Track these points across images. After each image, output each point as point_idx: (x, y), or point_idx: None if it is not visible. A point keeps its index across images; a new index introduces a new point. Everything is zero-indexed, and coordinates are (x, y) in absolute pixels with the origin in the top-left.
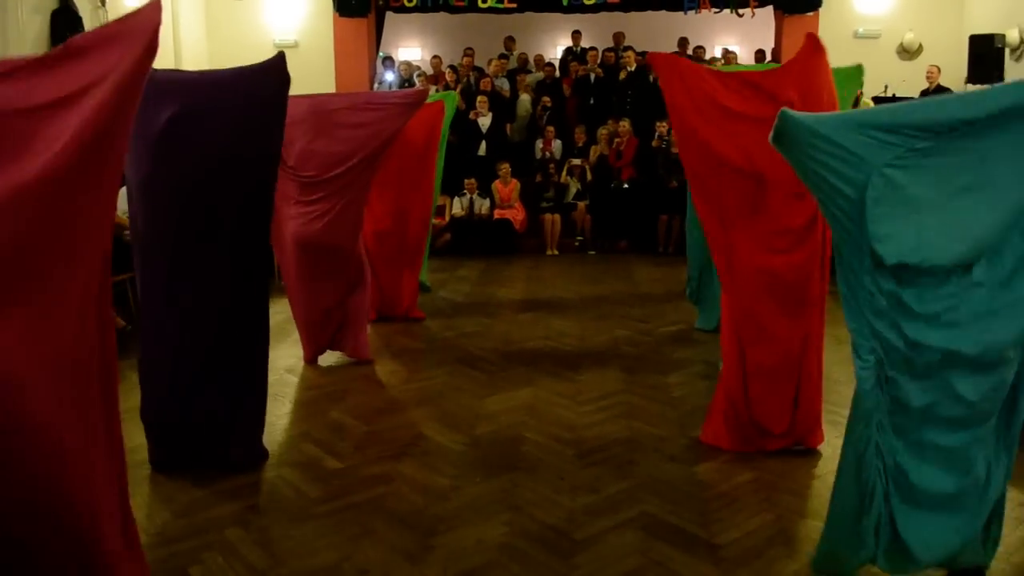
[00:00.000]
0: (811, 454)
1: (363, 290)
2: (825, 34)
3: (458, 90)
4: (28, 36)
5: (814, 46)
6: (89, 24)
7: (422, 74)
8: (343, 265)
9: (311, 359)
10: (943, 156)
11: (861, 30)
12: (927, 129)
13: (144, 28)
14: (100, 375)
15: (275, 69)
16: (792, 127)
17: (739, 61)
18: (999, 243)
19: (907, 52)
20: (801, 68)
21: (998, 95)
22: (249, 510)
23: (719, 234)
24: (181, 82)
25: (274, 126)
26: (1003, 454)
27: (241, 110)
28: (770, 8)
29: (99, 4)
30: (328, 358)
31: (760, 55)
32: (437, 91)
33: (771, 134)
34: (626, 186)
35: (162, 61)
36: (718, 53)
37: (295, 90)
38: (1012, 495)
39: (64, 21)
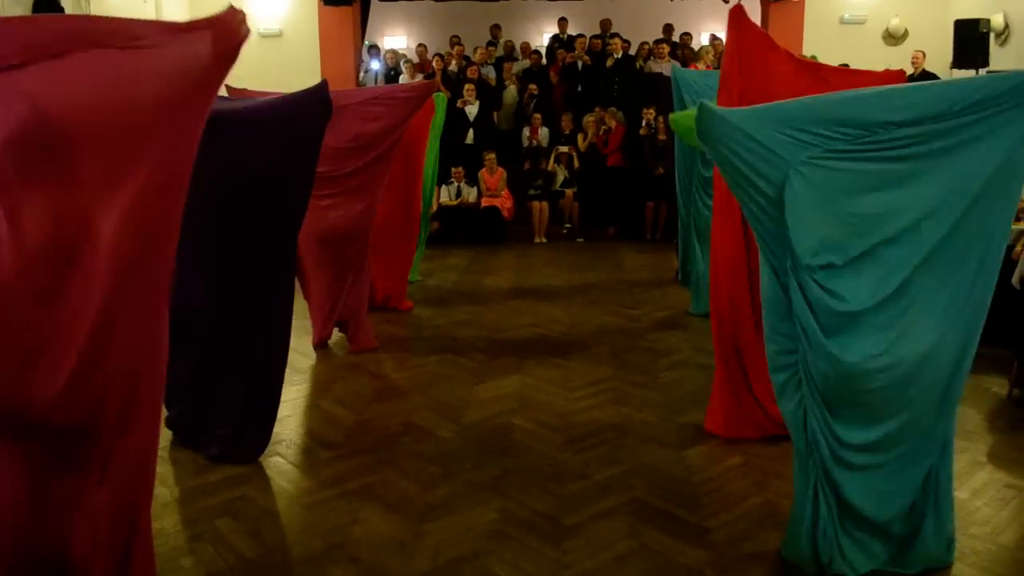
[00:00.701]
0: None
1: (364, 281)
2: (811, 20)
3: (438, 79)
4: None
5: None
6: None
7: (408, 62)
8: (355, 255)
9: (320, 344)
10: (862, 162)
11: (847, 16)
12: (846, 126)
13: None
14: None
15: (318, 99)
16: (713, 121)
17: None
18: (902, 281)
19: (893, 37)
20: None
21: (934, 97)
22: (239, 500)
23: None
24: (225, 106)
25: (312, 153)
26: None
27: (281, 136)
28: None
29: None
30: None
31: None
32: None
33: (696, 128)
34: (610, 168)
35: None
36: (704, 40)
37: (279, 80)
38: (997, 476)
39: (45, 6)
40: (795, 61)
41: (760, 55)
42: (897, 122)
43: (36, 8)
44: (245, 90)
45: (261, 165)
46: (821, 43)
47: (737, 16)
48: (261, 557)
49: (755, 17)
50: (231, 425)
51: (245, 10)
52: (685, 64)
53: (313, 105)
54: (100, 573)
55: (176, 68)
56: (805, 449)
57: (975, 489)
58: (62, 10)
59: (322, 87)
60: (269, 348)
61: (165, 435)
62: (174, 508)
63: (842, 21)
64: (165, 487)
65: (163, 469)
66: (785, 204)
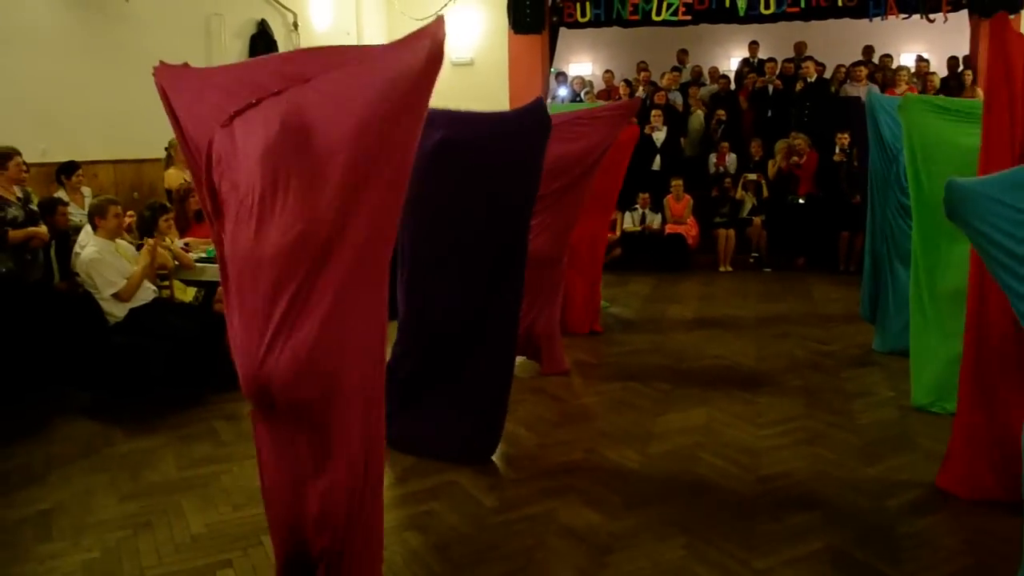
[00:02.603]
0: None
1: (556, 304)
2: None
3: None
4: (230, 58)
5: None
6: (283, 46)
7: (590, 92)
8: (551, 278)
9: None
10: None
11: None
12: None
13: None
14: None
15: (534, 113)
16: (966, 198)
17: (931, 69)
18: None
19: None
20: None
21: None
22: (427, 515)
23: None
24: (446, 114)
25: (534, 169)
26: None
27: (503, 151)
28: (964, 12)
29: (292, 28)
30: None
31: (953, 63)
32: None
33: (945, 206)
34: (801, 201)
35: None
36: (905, 61)
37: (469, 107)
38: None
39: (262, 44)
40: None
41: None
42: None
43: (253, 41)
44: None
45: (489, 180)
46: None
47: (1000, 24)
48: (448, 573)
49: (960, 35)
50: (469, 424)
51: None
52: (884, 88)
53: (529, 116)
54: (327, 542)
55: (399, 71)
56: None
57: None
58: (275, 42)
59: (539, 105)
60: (502, 352)
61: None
62: None
63: None
64: None
65: None
66: None
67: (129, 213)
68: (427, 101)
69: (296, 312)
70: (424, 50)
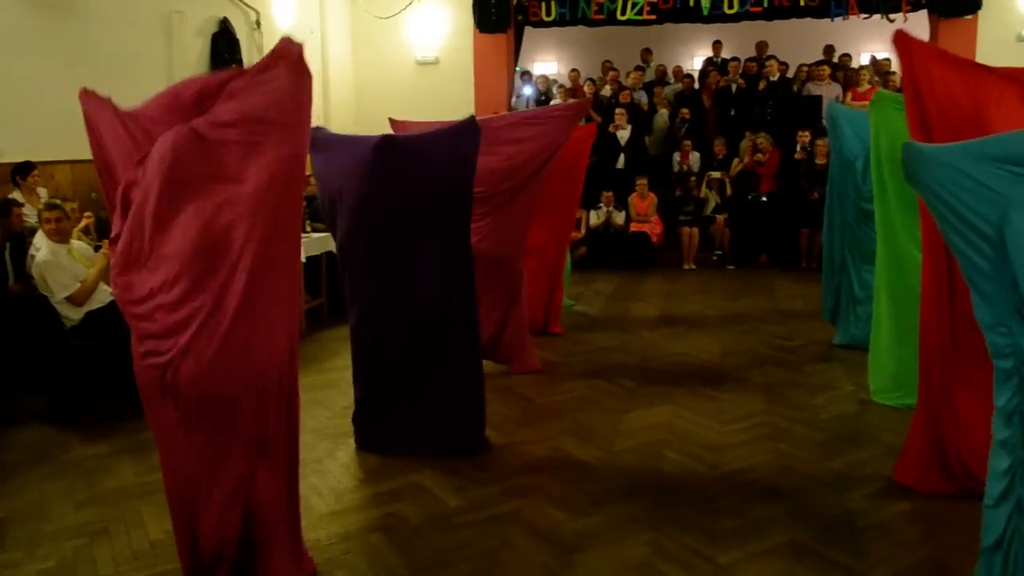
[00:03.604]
0: None
1: (522, 304)
2: (985, 39)
3: (592, 104)
4: (191, 57)
5: None
6: (246, 45)
7: (561, 87)
8: (508, 278)
9: None
10: None
11: None
12: None
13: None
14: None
15: (467, 130)
16: (922, 161)
17: (892, 69)
18: None
19: None
20: None
21: None
22: (391, 516)
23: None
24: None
25: (465, 183)
26: None
27: (441, 156)
28: (924, 12)
29: (255, 27)
30: None
31: None
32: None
33: (904, 170)
34: (764, 199)
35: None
36: (866, 60)
37: (434, 106)
38: None
39: (223, 43)
40: (989, 71)
41: (940, 75)
42: None
43: (215, 39)
44: (406, 122)
45: (427, 177)
46: (996, 63)
47: (903, 40)
48: (413, 575)
49: (923, 36)
50: (446, 423)
51: (405, 40)
52: (846, 87)
53: (464, 133)
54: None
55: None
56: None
57: None
58: (237, 40)
59: (470, 122)
60: (469, 348)
61: (333, 446)
62: (329, 520)
63: (1020, 38)
64: (320, 499)
65: (318, 481)
66: (1007, 244)
67: (87, 215)
68: (308, 115)
69: (199, 313)
70: (284, 75)
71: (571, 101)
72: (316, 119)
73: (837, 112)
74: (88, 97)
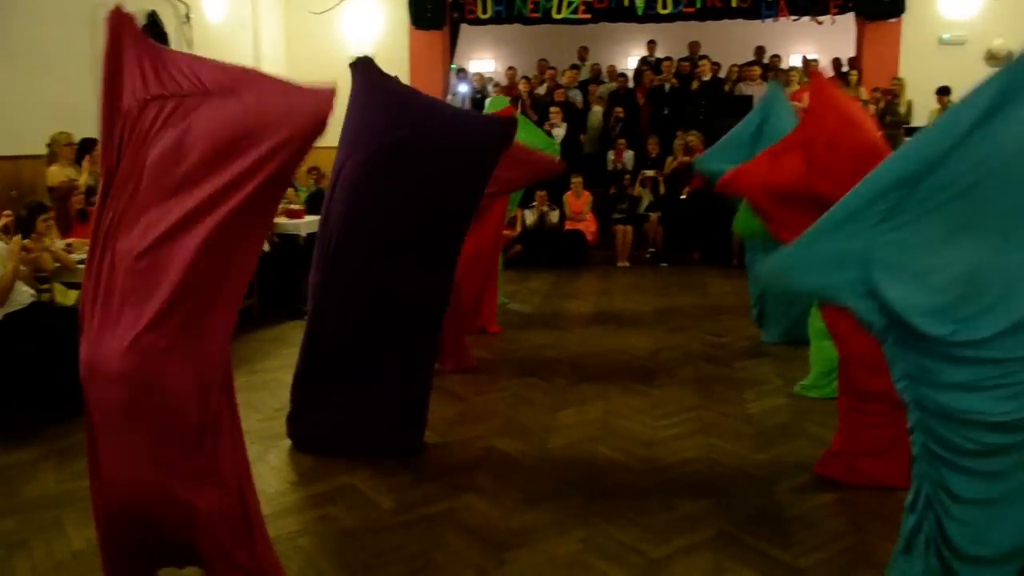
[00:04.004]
0: None
1: (456, 303)
2: (908, 41)
3: (529, 103)
4: None
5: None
6: (174, 39)
7: (496, 85)
8: None
9: None
10: (929, 213)
11: (947, 36)
12: (896, 188)
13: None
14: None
15: (505, 131)
16: (784, 277)
17: (819, 69)
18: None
19: (995, 59)
20: None
21: (962, 114)
22: (323, 519)
23: None
24: (417, 108)
25: (485, 177)
26: None
27: (461, 157)
28: (851, 15)
29: (184, 20)
30: None
31: (837, 63)
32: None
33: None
34: (683, 197)
35: None
36: (795, 61)
37: None
38: None
39: (151, 36)
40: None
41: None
42: (939, 156)
43: (142, 30)
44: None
45: (438, 181)
46: (919, 65)
47: (816, 81)
48: None
49: (850, 38)
50: (386, 423)
51: (339, 36)
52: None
53: (498, 131)
54: (228, 537)
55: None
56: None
57: None
58: (165, 34)
59: (512, 123)
60: (430, 348)
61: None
62: None
63: (941, 42)
64: None
65: None
66: (880, 290)
67: (6, 213)
68: (297, 162)
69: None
70: (309, 115)
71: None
72: None
73: (777, 94)
74: (116, 14)
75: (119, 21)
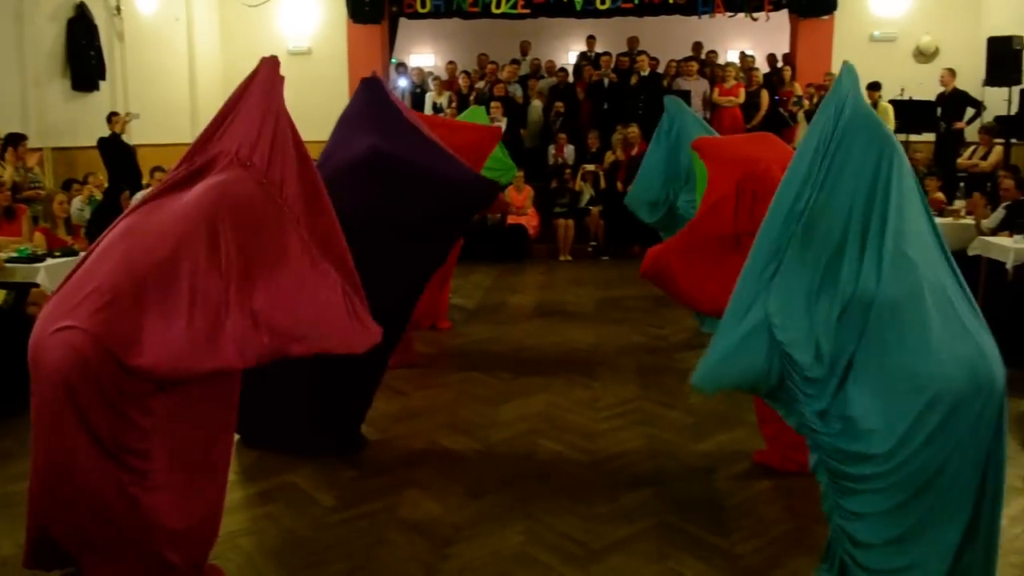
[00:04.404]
0: None
1: None
2: (841, 37)
3: (472, 97)
4: (45, 43)
5: None
6: (104, 32)
7: (436, 79)
8: None
9: None
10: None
11: (877, 33)
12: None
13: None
14: None
15: (488, 194)
16: (708, 375)
17: (755, 65)
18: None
19: (924, 55)
20: None
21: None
22: (263, 519)
23: None
24: (409, 131)
25: (454, 228)
26: None
27: (435, 198)
28: (785, 12)
29: (115, 12)
30: None
31: (772, 59)
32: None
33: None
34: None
35: (176, 68)
36: (731, 57)
37: (307, 97)
38: None
39: (80, 29)
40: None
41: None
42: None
43: (71, 25)
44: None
45: (416, 214)
46: (851, 61)
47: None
48: None
49: (784, 34)
50: (328, 420)
51: (276, 29)
52: (713, 83)
53: (478, 197)
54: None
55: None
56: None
57: (1012, 516)
58: (95, 27)
59: (495, 187)
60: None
61: None
62: None
63: (872, 38)
64: None
65: None
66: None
67: None
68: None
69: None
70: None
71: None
72: (181, 111)
73: (678, 106)
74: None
75: (271, 71)
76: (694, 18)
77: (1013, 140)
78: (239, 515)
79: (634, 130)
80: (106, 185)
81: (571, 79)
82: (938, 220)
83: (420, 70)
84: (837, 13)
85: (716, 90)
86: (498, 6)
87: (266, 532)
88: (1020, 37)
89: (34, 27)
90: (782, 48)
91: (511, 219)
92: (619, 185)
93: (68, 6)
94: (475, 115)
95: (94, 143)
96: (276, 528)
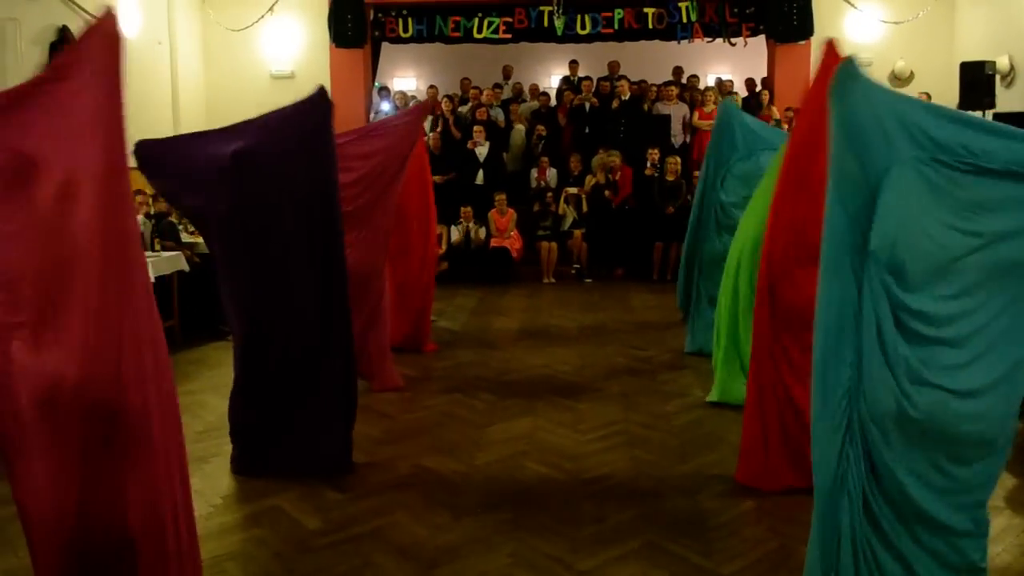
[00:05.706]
0: None
1: (384, 321)
2: (818, 62)
3: (452, 120)
4: (27, 67)
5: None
6: None
7: (418, 103)
8: (368, 294)
9: None
10: (956, 187)
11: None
12: (947, 151)
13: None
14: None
15: (315, 102)
16: (857, 80)
17: (734, 90)
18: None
19: (899, 79)
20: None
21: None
22: (249, 542)
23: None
24: (240, 127)
25: (323, 155)
26: None
27: (292, 146)
28: (762, 37)
29: None
30: None
31: (751, 83)
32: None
33: (836, 78)
34: (628, 207)
35: (159, 93)
36: (711, 82)
37: None
38: (1016, 522)
39: (60, 51)
40: None
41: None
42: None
43: (53, 49)
44: None
45: (288, 183)
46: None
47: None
48: None
49: (763, 59)
50: (313, 444)
51: (259, 53)
52: (692, 107)
53: (310, 106)
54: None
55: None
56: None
57: (993, 537)
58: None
59: (319, 93)
60: (346, 359)
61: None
62: None
63: None
64: None
65: None
66: (879, 195)
67: None
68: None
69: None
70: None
71: (410, 105)
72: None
73: (733, 112)
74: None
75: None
76: (674, 43)
77: None
78: (225, 539)
79: (615, 155)
80: None
81: (553, 103)
82: None
83: (403, 94)
84: (813, 39)
85: (696, 113)
86: (480, 31)
87: (252, 556)
88: (992, 62)
89: (17, 52)
90: (760, 72)
91: (495, 242)
92: (613, 202)
93: (51, 29)
94: None
95: None
96: (262, 552)
